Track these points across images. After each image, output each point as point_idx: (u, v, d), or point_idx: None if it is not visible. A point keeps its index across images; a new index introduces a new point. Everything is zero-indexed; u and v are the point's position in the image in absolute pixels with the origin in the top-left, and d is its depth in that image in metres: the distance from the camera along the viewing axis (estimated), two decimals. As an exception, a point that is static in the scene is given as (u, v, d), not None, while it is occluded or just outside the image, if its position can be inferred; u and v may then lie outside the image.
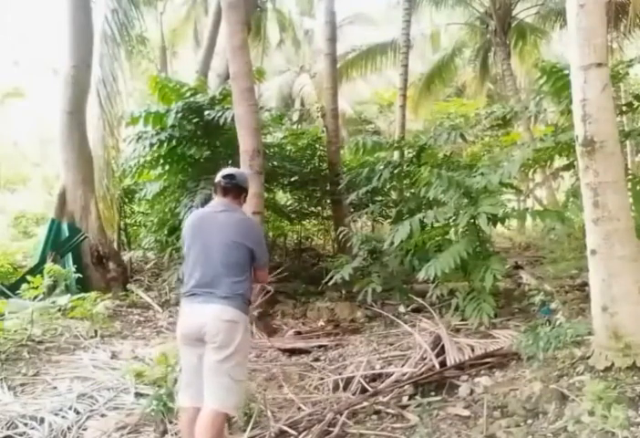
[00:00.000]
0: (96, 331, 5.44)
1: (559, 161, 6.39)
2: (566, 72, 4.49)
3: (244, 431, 3.10)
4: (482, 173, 5.06)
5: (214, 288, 2.65)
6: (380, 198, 8.44)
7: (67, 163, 7.69)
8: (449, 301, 5.04)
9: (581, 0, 3.04)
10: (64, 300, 5.73)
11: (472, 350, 3.87)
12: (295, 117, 12.87)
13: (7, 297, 6.20)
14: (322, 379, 4.00)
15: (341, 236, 6.65)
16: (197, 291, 2.69)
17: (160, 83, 7.18)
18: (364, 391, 3.59)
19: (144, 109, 7.02)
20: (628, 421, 2.44)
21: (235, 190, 2.84)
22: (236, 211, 2.83)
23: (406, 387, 3.51)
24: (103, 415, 3.44)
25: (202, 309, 2.65)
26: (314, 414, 3.28)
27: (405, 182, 6.91)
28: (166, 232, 7.54)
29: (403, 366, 3.87)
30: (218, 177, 2.87)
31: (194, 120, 6.99)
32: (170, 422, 3.12)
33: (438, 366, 3.67)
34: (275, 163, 7.99)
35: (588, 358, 3.07)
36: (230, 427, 3.14)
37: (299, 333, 5.60)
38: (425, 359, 3.84)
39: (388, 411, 3.29)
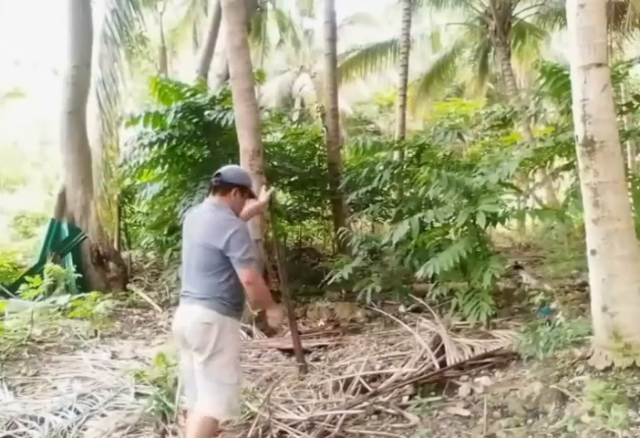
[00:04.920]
0: (96, 331, 5.44)
1: (559, 161, 6.38)
2: (566, 72, 4.49)
3: (244, 431, 3.11)
4: (482, 173, 5.06)
5: (194, 290, 2.66)
6: (380, 198, 8.43)
7: (67, 164, 7.70)
8: (449, 301, 5.04)
9: (581, 0, 3.04)
10: (64, 300, 5.73)
11: (472, 350, 3.87)
12: (295, 117, 12.87)
13: (7, 297, 6.20)
14: (322, 379, 3.99)
15: (341, 236, 6.65)
16: (184, 292, 2.74)
17: (160, 84, 7.17)
18: (364, 391, 3.59)
19: (144, 110, 7.01)
20: (628, 421, 2.44)
21: (222, 187, 2.75)
22: (218, 210, 2.71)
23: (406, 387, 3.51)
24: (103, 415, 3.44)
25: (185, 311, 2.70)
26: (314, 414, 3.28)
27: (405, 182, 6.90)
28: (166, 232, 7.55)
29: (403, 366, 3.86)
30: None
31: (194, 121, 6.99)
32: (171, 422, 3.12)
33: (438, 366, 3.67)
34: (275, 163, 7.99)
35: (588, 358, 3.07)
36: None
37: (299, 333, 5.59)
38: (425, 359, 3.84)
39: (388, 411, 3.29)
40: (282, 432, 3.08)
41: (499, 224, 5.12)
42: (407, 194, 7.17)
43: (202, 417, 2.60)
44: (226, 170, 2.85)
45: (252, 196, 2.95)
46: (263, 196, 3.33)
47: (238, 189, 2.77)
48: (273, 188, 3.58)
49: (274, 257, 4.95)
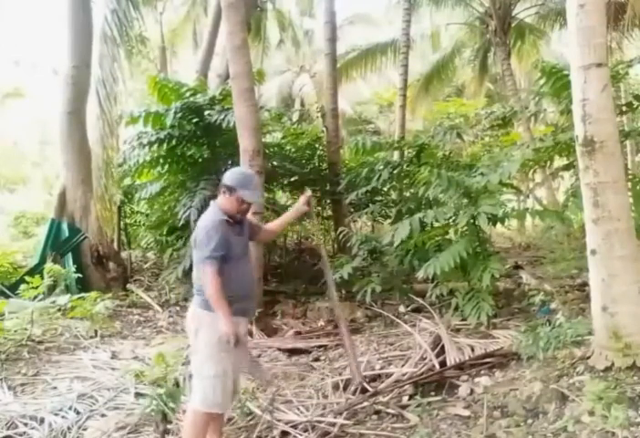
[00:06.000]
0: (96, 331, 5.44)
1: (559, 161, 6.39)
2: (566, 72, 4.50)
3: (247, 432, 3.11)
4: (482, 173, 5.06)
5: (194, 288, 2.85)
6: (380, 198, 8.44)
7: (67, 164, 7.68)
8: (449, 301, 5.04)
9: (581, 0, 3.04)
10: (64, 300, 5.72)
11: (472, 350, 3.88)
12: (295, 117, 12.88)
13: (7, 297, 6.20)
14: (322, 379, 3.99)
15: (341, 236, 6.65)
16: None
17: (160, 83, 7.16)
18: (364, 391, 3.59)
19: (143, 110, 7.01)
20: (628, 421, 2.45)
21: (220, 187, 2.88)
22: (210, 207, 2.88)
23: (406, 387, 3.51)
24: (103, 415, 3.44)
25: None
26: (315, 415, 3.28)
27: (405, 181, 6.91)
28: (165, 232, 7.54)
29: (403, 366, 3.87)
30: None
31: (194, 121, 6.99)
32: (170, 422, 3.12)
33: (438, 366, 3.67)
34: (275, 163, 7.99)
35: (588, 358, 3.07)
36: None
37: (299, 333, 5.59)
38: (425, 359, 3.84)
39: (388, 411, 3.29)
40: (282, 433, 3.09)
41: (499, 224, 5.13)
42: (407, 194, 7.18)
43: (189, 409, 2.78)
44: (228, 171, 3.00)
45: (241, 199, 2.78)
46: (303, 199, 3.31)
47: (226, 188, 2.83)
48: (309, 190, 3.54)
49: (275, 257, 4.97)
